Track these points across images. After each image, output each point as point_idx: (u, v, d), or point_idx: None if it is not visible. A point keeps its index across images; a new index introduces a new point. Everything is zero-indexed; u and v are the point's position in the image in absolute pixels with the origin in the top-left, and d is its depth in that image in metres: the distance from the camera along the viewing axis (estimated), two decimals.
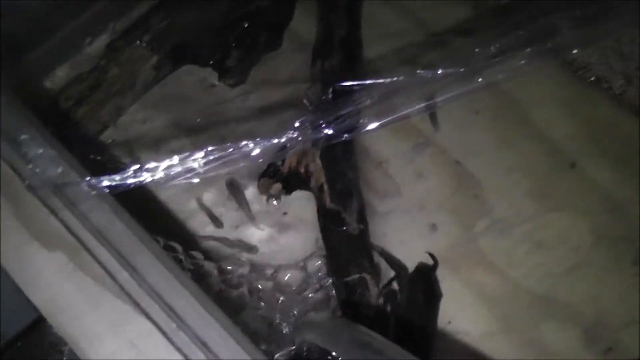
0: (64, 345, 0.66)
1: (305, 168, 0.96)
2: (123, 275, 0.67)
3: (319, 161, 0.93)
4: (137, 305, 0.65)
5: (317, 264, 0.94)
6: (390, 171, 1.02)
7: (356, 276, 0.87)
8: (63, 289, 0.67)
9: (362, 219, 0.93)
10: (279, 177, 0.97)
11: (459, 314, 0.92)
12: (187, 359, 0.63)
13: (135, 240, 0.68)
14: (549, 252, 0.96)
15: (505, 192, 1.00)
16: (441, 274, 0.94)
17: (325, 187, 0.92)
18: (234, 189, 0.98)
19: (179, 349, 0.64)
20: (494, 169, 1.02)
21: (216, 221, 0.98)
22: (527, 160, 1.02)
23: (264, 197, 0.97)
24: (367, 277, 0.88)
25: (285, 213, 0.99)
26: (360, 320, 0.82)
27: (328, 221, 0.92)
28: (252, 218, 0.97)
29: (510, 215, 0.98)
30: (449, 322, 0.91)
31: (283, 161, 0.93)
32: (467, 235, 0.97)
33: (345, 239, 0.91)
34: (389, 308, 0.87)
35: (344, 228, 0.90)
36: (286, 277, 0.93)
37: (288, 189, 0.98)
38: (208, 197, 1.00)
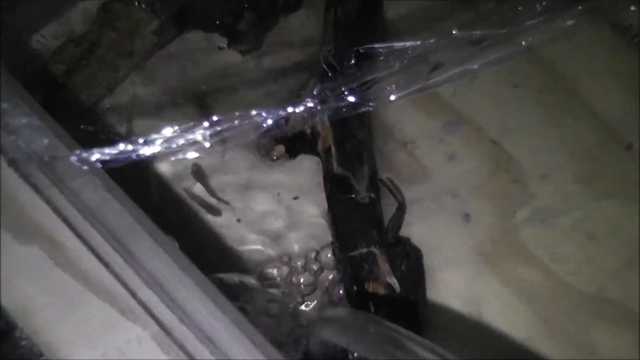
0: (39, 358, 0.65)
1: (311, 129, 0.96)
2: (117, 262, 0.66)
3: (327, 121, 0.93)
4: (133, 295, 0.65)
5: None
6: (417, 153, 1.02)
7: (364, 250, 0.88)
8: (39, 289, 0.65)
9: (373, 186, 0.93)
10: (283, 138, 0.98)
11: (496, 314, 0.91)
12: (191, 358, 0.63)
13: (132, 222, 0.67)
14: (599, 245, 0.95)
15: (549, 176, 0.99)
16: (477, 269, 0.94)
17: (333, 149, 0.93)
18: (200, 177, 0.98)
19: (181, 346, 0.63)
20: (536, 149, 1.01)
21: (212, 210, 0.98)
22: (575, 139, 1.01)
23: (266, 160, 0.98)
24: (376, 251, 0.88)
25: (296, 197, 1.00)
26: (367, 301, 0.83)
27: (335, 188, 0.93)
28: (217, 213, 0.97)
29: (555, 203, 0.98)
30: (486, 323, 0.91)
31: (287, 121, 0.92)
32: (506, 226, 0.97)
33: (353, 208, 0.91)
34: (399, 288, 0.87)
35: (352, 196, 0.91)
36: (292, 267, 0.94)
37: (292, 152, 0.99)
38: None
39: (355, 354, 0.81)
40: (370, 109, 0.75)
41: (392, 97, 0.72)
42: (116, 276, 0.66)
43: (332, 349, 0.81)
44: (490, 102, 1.03)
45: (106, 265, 0.66)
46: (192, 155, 0.72)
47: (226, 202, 0.97)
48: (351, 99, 0.74)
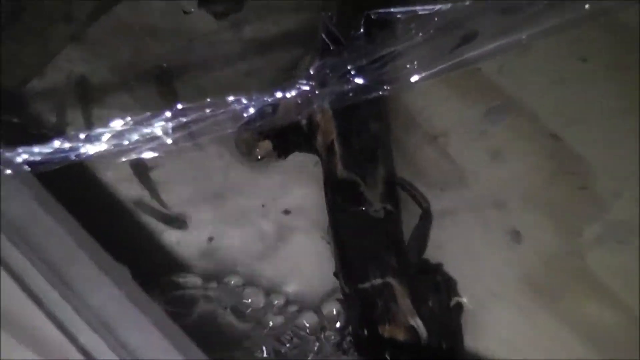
0: None
1: (308, 119, 0.97)
2: (51, 297, 0.69)
3: (328, 108, 0.94)
4: (73, 340, 0.68)
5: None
6: (451, 150, 1.05)
7: (377, 281, 0.90)
8: None
9: (390, 195, 0.95)
10: (270, 132, 0.99)
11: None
12: None
13: (71, 244, 0.70)
14: None
15: (627, 181, 1.01)
16: (528, 306, 0.96)
17: (337, 146, 0.95)
18: (141, 173, 1.01)
19: None
20: (610, 145, 1.03)
21: (172, 222, 1.01)
22: None
23: (248, 160, 1.00)
24: (394, 282, 0.90)
25: (287, 211, 1.02)
26: (381, 350, 0.85)
27: (339, 197, 0.94)
28: (164, 206, 1.00)
29: (635, 217, 1.00)
30: None
31: (275, 109, 0.94)
32: (569, 248, 1.00)
33: (364, 225, 0.93)
34: (425, 333, 0.88)
35: (362, 208, 0.93)
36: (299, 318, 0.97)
37: (282, 150, 1.01)
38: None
39: None
40: (385, 93, 0.76)
41: (414, 78, 0.73)
42: (49, 315, 0.68)
43: None
44: (548, 81, 1.05)
45: (37, 301, 0.68)
46: (148, 155, 0.74)
47: (182, 219, 1.00)
48: (359, 80, 0.75)
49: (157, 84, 1.02)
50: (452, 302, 0.96)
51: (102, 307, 0.68)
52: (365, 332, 0.90)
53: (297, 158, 1.03)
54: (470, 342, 0.96)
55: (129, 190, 1.01)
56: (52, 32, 0.97)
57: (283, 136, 1.00)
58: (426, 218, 0.98)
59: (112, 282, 0.69)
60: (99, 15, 1.01)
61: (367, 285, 0.90)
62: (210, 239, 1.01)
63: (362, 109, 0.96)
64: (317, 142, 0.98)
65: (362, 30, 0.82)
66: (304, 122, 0.98)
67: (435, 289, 0.94)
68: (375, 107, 0.99)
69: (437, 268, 0.97)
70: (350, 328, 0.95)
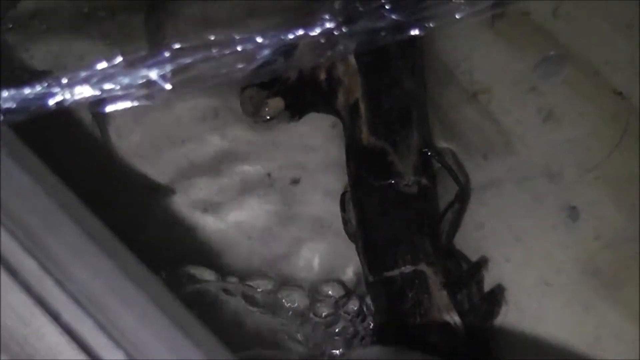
0: None
1: (328, 73, 0.99)
2: (29, 267, 0.72)
3: (353, 61, 0.97)
4: (55, 317, 0.70)
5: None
6: (495, 109, 1.07)
7: (408, 269, 0.92)
8: None
9: (426, 166, 0.97)
10: (281, 87, 1.01)
11: None
12: None
13: (52, 207, 0.71)
14: None
15: None
16: (588, 296, 0.99)
17: (362, 106, 0.97)
18: (101, 124, 1.03)
19: None
20: None
21: (161, 189, 1.04)
22: None
23: (254, 121, 1.02)
24: (428, 270, 0.92)
25: (295, 180, 1.06)
26: (412, 348, 0.86)
27: (364, 168, 0.97)
28: (169, 192, 1.03)
29: None
30: None
31: (288, 53, 0.91)
32: (635, 229, 1.02)
33: (393, 202, 0.95)
34: (463, 330, 0.90)
35: (392, 181, 0.95)
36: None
37: (296, 110, 1.02)
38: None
39: None
40: (423, 34, 0.77)
41: (460, 14, 0.75)
42: (25, 287, 0.70)
43: None
44: (613, 27, 1.07)
45: (12, 273, 0.71)
46: (140, 102, 0.76)
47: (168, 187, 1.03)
48: (395, 16, 0.77)
49: (150, 16, 1.03)
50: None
51: (90, 280, 0.70)
52: (392, 328, 0.93)
53: (312, 120, 1.05)
54: (516, 339, 0.98)
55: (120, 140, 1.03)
56: None
57: (297, 93, 1.01)
58: (463, 197, 1.00)
59: (101, 251, 0.71)
60: None
61: (395, 273, 0.92)
62: (205, 211, 1.03)
63: (393, 61, 0.98)
64: (338, 102, 1.00)
65: None
66: (322, 76, 0.99)
67: (471, 279, 0.96)
68: (411, 60, 1.00)
69: (462, 255, 1.00)
70: (371, 322, 0.98)
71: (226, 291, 0.99)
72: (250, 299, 1.00)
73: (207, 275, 0.99)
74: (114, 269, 0.71)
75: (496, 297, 0.97)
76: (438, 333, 0.90)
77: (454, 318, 0.90)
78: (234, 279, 1.01)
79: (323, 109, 1.02)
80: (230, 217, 1.04)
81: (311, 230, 1.04)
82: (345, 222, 1.01)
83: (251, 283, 1.00)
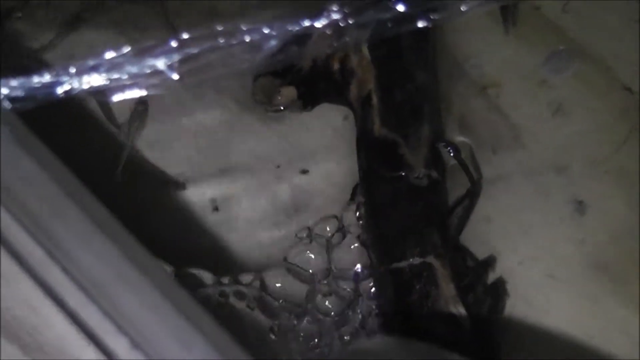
0: None
1: (341, 64, 0.99)
2: (36, 255, 0.72)
3: (366, 53, 0.97)
4: (60, 303, 0.70)
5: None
6: (504, 103, 1.07)
7: (417, 260, 0.92)
8: None
9: (436, 159, 0.97)
10: (295, 76, 1.01)
11: (624, 357, 0.96)
12: None
13: (59, 194, 0.71)
14: None
15: None
16: (594, 290, 0.99)
17: (375, 98, 0.97)
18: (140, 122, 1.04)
19: None
20: None
21: (172, 182, 1.04)
22: None
23: (265, 110, 1.02)
24: (437, 263, 0.92)
25: (304, 171, 1.05)
26: (418, 338, 0.85)
27: (375, 160, 0.97)
28: (180, 186, 1.03)
29: None
30: None
31: (300, 41, 0.95)
32: None
33: (403, 193, 0.96)
34: (469, 323, 0.90)
35: (403, 174, 0.95)
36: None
37: (309, 99, 1.03)
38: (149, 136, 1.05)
39: None
40: (429, 24, 0.77)
41: (465, 7, 0.75)
42: (31, 273, 0.70)
43: None
44: (623, 22, 1.07)
45: (19, 260, 0.71)
46: (150, 91, 0.76)
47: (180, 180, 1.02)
48: (401, 7, 0.77)
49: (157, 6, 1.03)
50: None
51: (96, 267, 0.70)
52: (399, 319, 0.93)
53: (323, 111, 1.05)
54: (523, 331, 0.98)
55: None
56: None
57: (310, 83, 1.01)
58: (474, 194, 1.00)
59: (106, 238, 0.70)
60: None
61: (403, 264, 0.92)
62: (216, 207, 1.04)
63: (407, 55, 0.98)
64: (350, 93, 1.00)
65: None
66: (336, 67, 1.00)
67: (477, 273, 0.97)
68: (423, 53, 1.00)
69: (468, 251, 0.99)
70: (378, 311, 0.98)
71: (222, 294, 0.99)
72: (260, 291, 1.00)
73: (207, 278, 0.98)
74: (120, 257, 0.71)
75: (498, 291, 0.97)
76: (444, 324, 0.90)
77: (460, 310, 0.90)
78: (249, 276, 1.01)
79: (335, 100, 1.02)
80: (240, 208, 1.04)
81: (319, 222, 1.03)
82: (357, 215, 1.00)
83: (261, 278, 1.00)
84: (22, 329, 0.67)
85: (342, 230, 1.01)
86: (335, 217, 1.01)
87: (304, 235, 1.02)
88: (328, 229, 1.02)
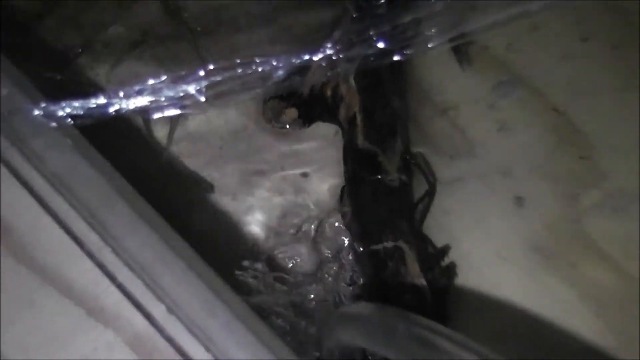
0: None
1: (333, 91, 0.99)
2: (91, 238, 0.70)
3: (353, 83, 0.96)
4: (112, 279, 0.68)
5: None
6: (461, 122, 1.05)
7: (390, 244, 0.91)
8: None
9: (406, 166, 0.97)
10: (296, 100, 1.01)
11: (556, 321, 0.94)
12: (181, 353, 0.66)
13: (109, 191, 0.70)
14: None
15: (624, 153, 1.01)
16: (532, 267, 0.97)
17: (359, 118, 0.96)
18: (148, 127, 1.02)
19: (170, 339, 0.67)
20: (609, 119, 1.03)
21: (203, 183, 1.03)
22: None
23: (273, 126, 1.02)
24: (405, 247, 0.91)
25: (304, 174, 1.04)
26: (391, 304, 0.84)
27: (358, 166, 0.96)
28: (209, 189, 1.02)
29: (630, 186, 1.00)
30: (543, 333, 0.94)
31: (303, 70, 0.95)
32: (569, 214, 0.99)
33: (380, 193, 0.94)
34: (430, 294, 0.89)
35: (379, 177, 0.94)
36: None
37: (307, 118, 1.02)
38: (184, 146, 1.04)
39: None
40: (403, 58, 0.77)
41: (432, 44, 0.74)
42: (89, 255, 0.68)
43: (348, 354, 0.84)
44: (553, 59, 1.05)
45: (77, 240, 0.69)
46: (183, 111, 0.75)
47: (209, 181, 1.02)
48: (381, 44, 0.77)
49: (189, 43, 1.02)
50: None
51: (139, 249, 0.69)
52: (375, 290, 0.92)
53: (319, 128, 1.04)
54: (476, 299, 0.96)
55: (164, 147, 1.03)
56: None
57: (308, 105, 1.02)
58: (431, 193, 0.99)
59: (147, 227, 0.69)
60: None
61: (379, 247, 0.91)
62: (233, 197, 1.02)
63: (385, 85, 0.98)
64: (340, 114, 0.99)
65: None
66: (329, 93, 0.99)
67: (433, 256, 0.96)
68: (398, 84, 1.00)
69: (428, 239, 0.99)
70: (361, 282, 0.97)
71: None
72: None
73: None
74: (158, 241, 0.70)
75: (450, 272, 0.96)
76: (410, 294, 0.89)
77: (422, 284, 0.89)
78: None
79: (328, 119, 1.01)
80: (252, 203, 1.03)
81: (317, 214, 1.02)
82: (344, 214, 1.00)
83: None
84: (89, 296, 0.67)
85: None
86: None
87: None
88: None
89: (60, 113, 0.72)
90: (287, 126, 1.02)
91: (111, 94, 0.73)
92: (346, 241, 0.99)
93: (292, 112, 1.01)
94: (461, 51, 1.05)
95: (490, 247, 0.98)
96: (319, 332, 0.89)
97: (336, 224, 0.99)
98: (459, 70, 1.06)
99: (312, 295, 0.96)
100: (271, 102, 1.01)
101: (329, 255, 0.99)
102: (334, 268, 0.98)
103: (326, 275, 0.98)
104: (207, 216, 1.01)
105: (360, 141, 0.95)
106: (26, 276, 0.69)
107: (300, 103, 1.01)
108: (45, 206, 0.70)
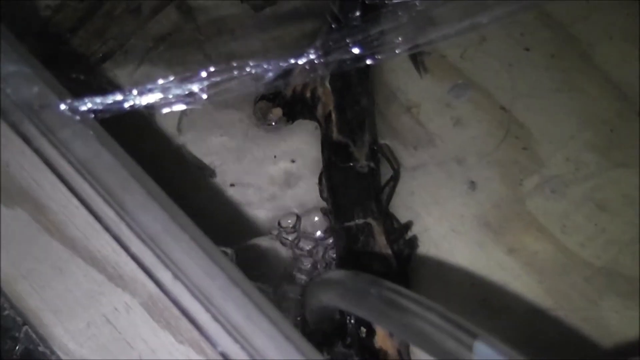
0: (19, 330, 0.68)
1: (311, 92, 0.99)
2: (109, 215, 0.69)
3: (328, 85, 0.97)
4: (127, 249, 0.67)
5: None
6: (422, 118, 1.04)
7: (360, 221, 0.91)
8: (23, 254, 0.68)
9: (374, 155, 0.96)
10: (281, 101, 1.01)
11: (502, 286, 0.94)
12: (184, 313, 0.66)
13: (125, 175, 0.69)
14: (612, 217, 0.97)
15: (560, 144, 1.02)
16: (482, 240, 0.96)
17: (334, 115, 0.97)
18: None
19: (175, 302, 0.66)
20: (547, 116, 1.03)
21: (205, 170, 1.01)
22: (589, 107, 1.03)
23: (261, 123, 1.02)
24: (373, 223, 0.91)
25: (293, 160, 1.03)
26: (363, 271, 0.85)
27: (333, 155, 0.96)
28: (212, 174, 1.02)
29: (566, 172, 1.00)
30: (491, 296, 0.94)
31: (289, 73, 0.95)
32: (513, 195, 0.99)
33: (351, 178, 0.94)
34: (395, 262, 0.89)
35: (351, 164, 0.94)
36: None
37: (290, 116, 1.02)
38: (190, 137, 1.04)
39: (354, 319, 0.84)
40: (374, 63, 0.76)
41: (398, 50, 0.74)
42: (107, 229, 0.68)
43: (328, 314, 0.83)
44: (499, 65, 1.05)
45: (97, 218, 0.68)
46: (188, 106, 0.74)
47: (212, 168, 1.02)
48: (355, 50, 0.76)
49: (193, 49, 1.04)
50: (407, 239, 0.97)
51: (150, 224, 0.68)
52: (348, 260, 0.91)
53: (302, 123, 1.04)
54: (435, 266, 0.96)
55: (172, 137, 1.03)
56: (124, 23, 1.03)
57: (291, 105, 1.01)
58: (396, 178, 0.99)
59: (158, 205, 0.69)
60: (163, 8, 1.07)
61: (352, 223, 0.91)
62: (232, 184, 1.01)
63: (354, 86, 0.98)
64: (317, 112, 0.99)
65: (358, 13, 0.84)
66: (308, 94, 0.99)
67: (398, 231, 0.96)
68: (365, 86, 1.00)
69: (394, 216, 0.98)
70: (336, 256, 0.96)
71: None
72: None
73: None
74: (166, 217, 0.69)
75: (412, 243, 0.96)
76: (379, 263, 0.88)
77: (389, 253, 0.89)
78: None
79: (308, 117, 1.01)
80: (249, 186, 1.02)
81: (303, 193, 1.01)
82: (321, 191, 0.99)
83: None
84: (109, 263, 0.67)
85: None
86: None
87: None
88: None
89: (84, 108, 0.71)
90: (274, 123, 1.01)
91: (127, 92, 0.72)
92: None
93: (278, 111, 1.00)
94: (417, 60, 1.06)
95: (447, 223, 0.98)
96: (302, 295, 0.87)
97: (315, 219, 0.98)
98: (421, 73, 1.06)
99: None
100: (260, 103, 1.00)
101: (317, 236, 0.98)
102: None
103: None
104: (209, 198, 1.00)
105: (335, 134, 0.95)
106: (57, 248, 0.69)
107: (284, 103, 1.00)
108: (71, 188, 0.70)
